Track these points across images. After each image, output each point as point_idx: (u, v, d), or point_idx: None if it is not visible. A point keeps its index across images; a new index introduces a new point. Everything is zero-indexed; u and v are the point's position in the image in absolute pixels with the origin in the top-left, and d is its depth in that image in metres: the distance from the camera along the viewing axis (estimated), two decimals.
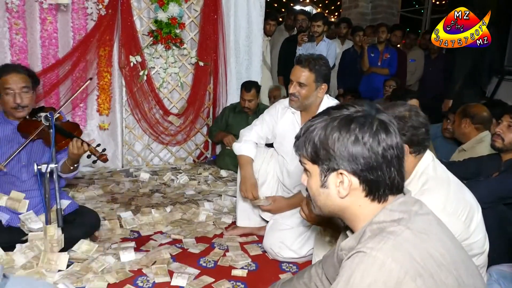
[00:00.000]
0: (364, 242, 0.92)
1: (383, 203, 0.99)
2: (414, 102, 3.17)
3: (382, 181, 0.96)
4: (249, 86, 3.90)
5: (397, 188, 0.99)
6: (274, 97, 4.55)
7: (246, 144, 2.47)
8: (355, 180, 0.97)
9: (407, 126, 1.50)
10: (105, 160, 2.19)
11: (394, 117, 1.46)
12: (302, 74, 2.24)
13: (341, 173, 0.97)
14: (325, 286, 1.31)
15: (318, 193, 1.04)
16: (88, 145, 2.13)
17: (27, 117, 2.19)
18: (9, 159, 2.12)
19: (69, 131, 2.17)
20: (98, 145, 2.19)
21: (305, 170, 1.07)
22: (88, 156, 2.17)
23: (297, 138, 1.06)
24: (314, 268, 1.37)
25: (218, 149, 4.42)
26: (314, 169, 1.02)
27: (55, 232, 1.99)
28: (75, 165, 2.22)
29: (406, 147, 1.49)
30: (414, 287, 0.84)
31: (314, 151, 1.00)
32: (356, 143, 0.94)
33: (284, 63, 5.11)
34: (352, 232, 1.07)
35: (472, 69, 4.38)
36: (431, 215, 0.99)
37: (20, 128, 2.18)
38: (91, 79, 2.80)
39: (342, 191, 0.98)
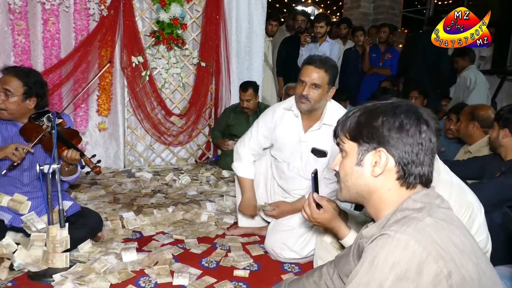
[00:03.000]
0: (387, 227, 0.95)
1: (411, 189, 1.02)
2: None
3: (416, 167, 1.01)
4: (245, 86, 3.91)
5: (427, 179, 1.03)
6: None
7: (244, 164, 2.46)
8: (391, 161, 1.01)
9: None
10: (99, 172, 2.18)
11: None
12: (318, 75, 2.12)
13: (379, 152, 1.01)
14: (336, 285, 1.32)
15: (351, 171, 1.07)
16: (82, 155, 2.13)
17: (30, 120, 2.19)
18: (9, 169, 2.12)
19: (66, 139, 2.15)
20: (94, 155, 2.20)
21: (341, 150, 1.11)
22: (82, 167, 2.17)
23: (340, 120, 1.11)
24: (325, 268, 1.38)
25: (220, 149, 4.43)
26: (352, 147, 1.06)
27: (57, 233, 1.99)
28: (71, 166, 2.21)
29: None
30: (436, 268, 0.86)
31: (358, 128, 1.04)
32: (400, 127, 0.99)
33: (283, 63, 5.11)
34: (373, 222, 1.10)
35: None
36: (452, 210, 1.02)
37: (22, 131, 2.18)
38: (110, 62, 2.73)
39: (377, 169, 1.02)
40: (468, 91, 4.75)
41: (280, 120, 2.36)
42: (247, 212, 2.49)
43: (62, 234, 2.00)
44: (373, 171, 1.03)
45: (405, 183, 1.02)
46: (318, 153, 2.26)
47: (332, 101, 2.31)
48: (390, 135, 1.00)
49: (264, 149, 2.51)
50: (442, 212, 0.97)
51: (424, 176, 1.02)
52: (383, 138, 1.00)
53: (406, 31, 6.60)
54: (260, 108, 4.01)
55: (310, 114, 2.26)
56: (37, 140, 2.13)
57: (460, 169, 2.37)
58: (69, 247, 2.04)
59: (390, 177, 1.02)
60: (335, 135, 1.12)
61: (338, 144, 1.12)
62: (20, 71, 2.21)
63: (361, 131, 1.04)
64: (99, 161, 2.17)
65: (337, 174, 1.14)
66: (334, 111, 2.24)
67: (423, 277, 0.86)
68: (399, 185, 1.02)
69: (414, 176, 1.01)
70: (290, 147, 2.35)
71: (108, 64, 2.46)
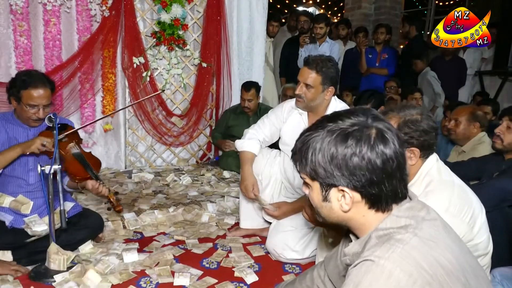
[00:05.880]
0: (371, 250, 0.90)
1: (387, 212, 0.98)
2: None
3: (384, 194, 0.95)
4: (248, 86, 3.91)
5: (400, 196, 0.99)
6: (290, 97, 4.45)
7: (249, 140, 2.47)
8: (356, 195, 0.96)
9: (419, 131, 1.50)
10: (120, 211, 2.26)
11: (406, 120, 1.48)
12: (309, 76, 2.21)
13: (341, 191, 0.96)
14: (328, 287, 1.31)
15: (320, 206, 1.03)
16: (109, 191, 2.20)
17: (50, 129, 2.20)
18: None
19: (92, 169, 2.20)
20: (116, 193, 2.24)
21: (304, 183, 1.05)
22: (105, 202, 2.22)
23: (294, 153, 1.04)
24: (316, 270, 1.37)
25: (221, 150, 4.42)
26: (315, 184, 1.01)
27: (58, 250, 2.02)
28: (83, 190, 2.27)
29: (417, 151, 1.50)
30: None
31: (313, 169, 0.98)
32: (354, 159, 0.92)
33: (286, 64, 5.14)
34: (356, 236, 1.06)
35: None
36: (438, 220, 0.98)
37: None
38: (163, 91, 2.82)
39: (344, 205, 0.97)
40: (434, 93, 4.98)
41: (287, 116, 2.44)
42: (245, 186, 2.36)
43: (64, 255, 2.02)
44: (342, 207, 0.98)
45: (379, 209, 0.97)
46: None
47: (337, 99, 2.37)
48: (348, 170, 0.92)
49: (270, 145, 2.53)
50: (427, 225, 0.93)
51: (397, 196, 0.97)
52: (341, 176, 0.94)
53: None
54: (261, 109, 4.00)
55: (314, 112, 2.33)
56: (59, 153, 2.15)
57: (459, 170, 2.37)
58: (65, 269, 2.03)
59: (361, 207, 0.98)
60: (295, 167, 1.05)
61: (300, 176, 1.05)
62: (46, 80, 2.20)
63: (317, 172, 0.97)
64: (119, 199, 2.24)
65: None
66: (337, 108, 2.27)
67: None
68: (373, 211, 0.98)
69: (386, 202, 0.96)
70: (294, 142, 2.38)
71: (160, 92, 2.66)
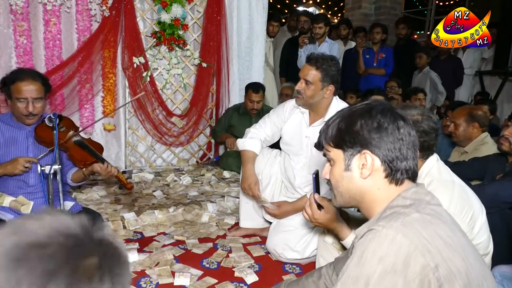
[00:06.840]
0: (376, 223, 0.98)
1: (399, 185, 1.06)
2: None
3: (401, 162, 1.04)
4: (257, 88, 3.89)
5: (413, 173, 1.07)
6: (286, 96, 4.40)
7: (251, 140, 2.46)
8: (377, 160, 1.04)
9: (419, 131, 1.50)
10: (131, 188, 2.26)
11: None
12: (309, 72, 2.23)
13: (364, 154, 1.04)
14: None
15: (341, 177, 1.10)
16: (118, 171, 2.21)
17: (45, 124, 2.20)
18: (42, 156, 2.13)
19: (97, 153, 2.23)
20: (124, 172, 2.24)
21: (328, 160, 1.14)
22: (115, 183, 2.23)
23: (321, 130, 1.14)
24: (324, 268, 1.41)
25: (221, 150, 4.42)
26: (338, 154, 1.09)
27: None
28: (90, 176, 2.28)
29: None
30: (423, 261, 0.88)
31: (339, 135, 1.08)
32: (379, 127, 1.03)
33: (286, 64, 5.14)
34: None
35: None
36: (442, 207, 1.04)
37: (40, 136, 2.19)
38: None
39: (365, 171, 1.05)
40: (437, 92, 5.00)
41: (289, 115, 2.44)
42: (247, 185, 2.35)
43: None
44: (362, 174, 1.06)
45: (394, 179, 1.05)
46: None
47: (339, 99, 2.37)
48: (371, 136, 1.03)
49: (272, 145, 2.53)
50: (430, 208, 0.99)
51: (410, 170, 1.06)
52: (365, 140, 1.04)
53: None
54: (263, 110, 3.98)
55: (314, 111, 2.33)
56: (60, 147, 2.17)
57: (461, 170, 2.39)
58: None
59: (378, 176, 1.06)
60: (320, 145, 1.15)
61: (324, 154, 1.15)
62: (36, 74, 2.21)
63: (343, 138, 1.07)
64: (129, 177, 2.23)
65: (329, 182, 1.17)
66: (339, 108, 2.27)
67: (410, 269, 0.88)
68: (388, 182, 1.06)
69: (400, 172, 1.05)
70: (296, 142, 2.40)
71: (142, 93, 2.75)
